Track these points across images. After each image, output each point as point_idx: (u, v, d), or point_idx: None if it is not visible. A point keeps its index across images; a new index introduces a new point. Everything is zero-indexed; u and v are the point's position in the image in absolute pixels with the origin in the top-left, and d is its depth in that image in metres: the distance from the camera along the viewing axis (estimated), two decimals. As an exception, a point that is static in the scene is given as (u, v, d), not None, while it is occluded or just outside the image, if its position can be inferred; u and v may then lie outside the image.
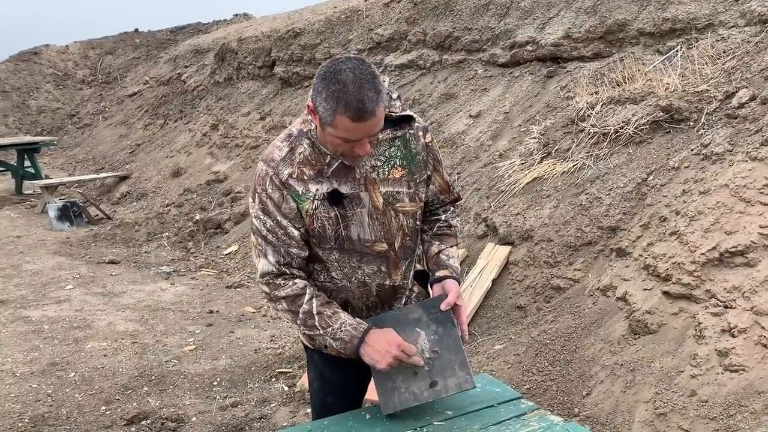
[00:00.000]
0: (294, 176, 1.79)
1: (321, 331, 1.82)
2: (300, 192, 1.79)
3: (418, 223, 1.95)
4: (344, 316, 1.83)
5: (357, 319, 1.84)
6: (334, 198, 1.79)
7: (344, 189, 1.80)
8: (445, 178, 2.02)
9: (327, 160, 1.79)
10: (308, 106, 1.71)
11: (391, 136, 1.86)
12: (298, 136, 1.82)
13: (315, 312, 1.82)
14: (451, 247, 2.02)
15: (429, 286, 2.01)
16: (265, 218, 1.82)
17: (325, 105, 1.62)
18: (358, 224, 1.83)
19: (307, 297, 1.83)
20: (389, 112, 1.82)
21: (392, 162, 1.85)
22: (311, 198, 1.79)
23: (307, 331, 1.86)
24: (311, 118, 1.77)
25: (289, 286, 1.83)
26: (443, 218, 2.05)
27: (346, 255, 1.86)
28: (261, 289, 1.89)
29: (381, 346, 1.78)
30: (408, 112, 1.89)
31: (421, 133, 1.91)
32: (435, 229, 2.04)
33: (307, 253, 1.86)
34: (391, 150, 1.86)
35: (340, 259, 1.87)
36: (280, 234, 1.81)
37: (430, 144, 1.93)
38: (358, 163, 1.80)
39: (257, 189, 1.83)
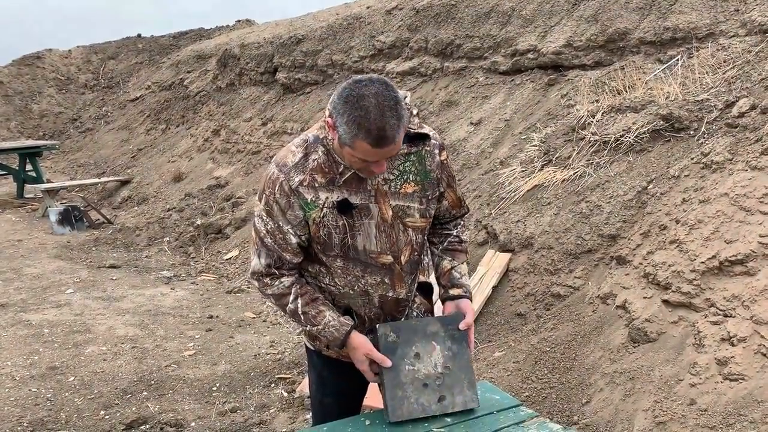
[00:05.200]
0: (305, 183, 1.79)
1: (308, 328, 1.91)
2: (309, 200, 1.80)
3: (425, 237, 1.98)
4: (329, 315, 1.87)
5: (341, 318, 1.88)
6: (343, 207, 1.81)
7: (354, 199, 1.82)
8: (458, 193, 2.04)
9: (340, 170, 1.80)
10: (327, 122, 1.72)
11: (405, 151, 1.86)
12: (313, 142, 1.83)
13: (300, 312, 1.88)
14: (462, 263, 2.05)
15: (441, 302, 2.03)
16: (268, 220, 1.84)
17: (345, 128, 1.64)
18: (365, 235, 1.84)
19: (291, 297, 1.88)
20: (407, 128, 1.84)
21: (405, 177, 1.87)
22: (320, 206, 1.80)
23: (296, 324, 1.93)
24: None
25: (275, 285, 1.90)
26: (454, 233, 2.07)
27: (351, 263, 1.88)
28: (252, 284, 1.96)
29: (356, 356, 1.89)
30: (425, 130, 1.91)
31: (437, 151, 1.92)
32: (446, 244, 2.06)
33: (300, 260, 1.90)
34: (406, 165, 1.87)
35: (344, 266, 1.88)
36: (278, 238, 1.84)
37: (445, 161, 1.95)
38: (375, 176, 1.82)
39: (266, 191, 1.84)
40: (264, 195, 1.84)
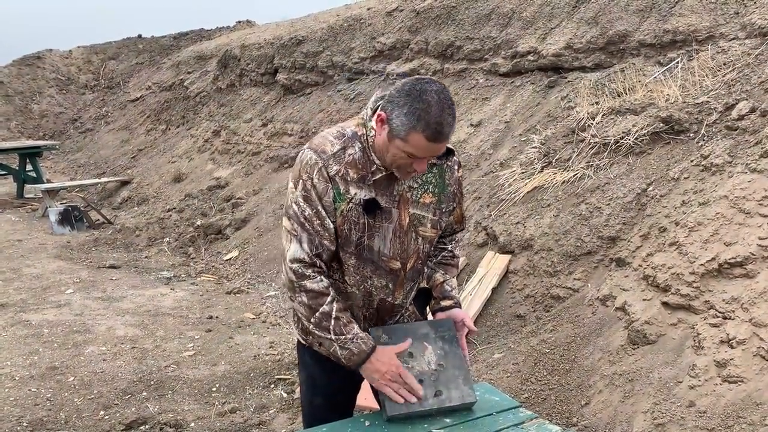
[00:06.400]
0: (339, 174, 1.83)
1: (332, 336, 1.84)
2: (341, 190, 1.83)
3: (431, 249, 2.04)
4: (357, 327, 1.87)
5: (366, 333, 1.89)
6: (369, 206, 1.84)
7: (381, 201, 1.86)
8: (463, 209, 2.13)
9: (372, 169, 1.84)
10: (379, 115, 1.76)
11: (432, 162, 1.93)
12: (351, 137, 1.86)
13: (333, 316, 1.84)
14: (453, 277, 2.14)
15: (432, 313, 2.11)
16: (305, 206, 1.84)
17: (403, 119, 1.70)
18: (382, 237, 1.88)
19: (329, 298, 1.85)
20: None
21: (426, 187, 1.93)
22: (348, 200, 1.84)
23: (317, 332, 1.86)
24: (372, 124, 1.82)
25: (317, 281, 1.85)
26: (449, 248, 2.15)
27: (363, 263, 1.91)
28: (287, 274, 1.87)
29: (383, 366, 1.84)
30: (450, 146, 1.98)
31: (456, 167, 2.00)
32: (440, 258, 2.14)
33: (334, 248, 1.89)
34: (428, 176, 1.94)
35: (356, 265, 1.91)
36: (317, 224, 1.84)
37: (460, 178, 2.04)
38: (408, 179, 1.87)
39: (302, 176, 1.84)
40: (301, 180, 1.84)
